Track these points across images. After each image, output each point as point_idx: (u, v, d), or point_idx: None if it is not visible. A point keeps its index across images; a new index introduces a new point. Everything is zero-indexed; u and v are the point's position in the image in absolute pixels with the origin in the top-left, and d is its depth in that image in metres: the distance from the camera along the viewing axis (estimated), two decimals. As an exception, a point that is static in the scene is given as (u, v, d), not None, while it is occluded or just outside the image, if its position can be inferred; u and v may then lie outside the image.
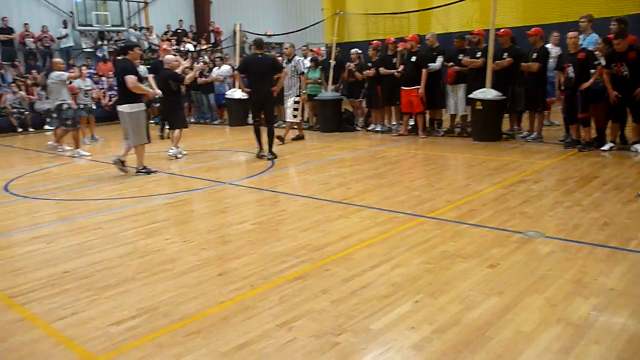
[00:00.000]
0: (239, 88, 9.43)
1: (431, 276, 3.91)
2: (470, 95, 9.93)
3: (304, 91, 11.47)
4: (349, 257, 4.35)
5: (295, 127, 11.31)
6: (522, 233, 4.77)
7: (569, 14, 13.04)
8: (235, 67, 9.37)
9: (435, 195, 6.27)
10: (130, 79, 7.88)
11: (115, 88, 15.89)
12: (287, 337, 3.12)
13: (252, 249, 4.69)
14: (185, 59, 12.97)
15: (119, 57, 8.98)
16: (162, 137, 11.97)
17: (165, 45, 12.85)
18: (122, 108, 8.13)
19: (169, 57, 9.88)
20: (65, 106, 10.47)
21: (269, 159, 8.98)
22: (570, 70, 8.41)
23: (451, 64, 10.42)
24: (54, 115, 10.90)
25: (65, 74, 10.62)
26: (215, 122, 15.39)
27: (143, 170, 8.38)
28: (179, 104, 9.91)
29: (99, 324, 3.40)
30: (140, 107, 8.20)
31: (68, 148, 11.08)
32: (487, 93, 9.69)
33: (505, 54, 9.74)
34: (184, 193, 7.08)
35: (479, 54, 10.02)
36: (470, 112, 10.44)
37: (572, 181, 6.63)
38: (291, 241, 4.83)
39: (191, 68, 10.72)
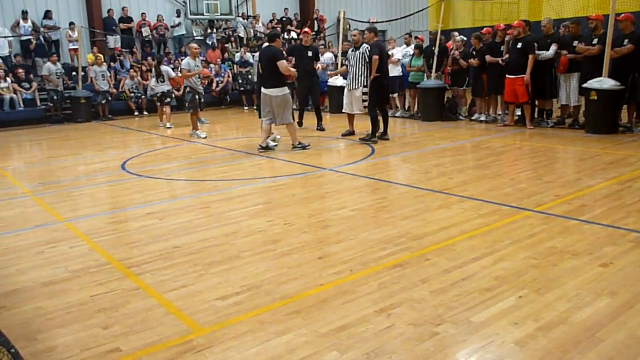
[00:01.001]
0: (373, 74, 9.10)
1: (537, 272, 3.75)
2: (585, 85, 9.35)
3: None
4: (450, 248, 4.27)
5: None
6: (639, 232, 4.45)
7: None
8: (373, 52, 9.08)
9: (543, 188, 5.99)
10: (283, 64, 8.60)
11: (222, 75, 16.63)
12: (385, 323, 3.12)
13: (352, 234, 4.73)
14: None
15: (264, 45, 9.50)
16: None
17: (307, 29, 13.06)
18: (270, 91, 8.75)
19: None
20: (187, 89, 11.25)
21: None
22: None
23: (565, 52, 9.83)
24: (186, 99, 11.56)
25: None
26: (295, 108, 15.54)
27: (299, 146, 9.04)
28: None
29: (205, 298, 3.58)
30: (285, 90, 8.83)
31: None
32: (604, 82, 9.08)
33: (626, 41, 9.07)
34: (286, 177, 7.25)
35: (595, 41, 9.40)
36: (583, 102, 9.84)
37: (699, 179, 6.09)
38: (391, 229, 4.81)
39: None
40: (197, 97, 11.15)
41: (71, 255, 4.51)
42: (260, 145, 9.11)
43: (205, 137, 11.03)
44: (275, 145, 9.45)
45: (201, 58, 17.89)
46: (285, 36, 19.64)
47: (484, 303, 3.32)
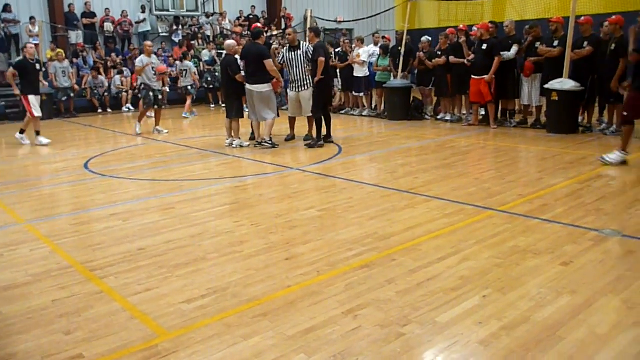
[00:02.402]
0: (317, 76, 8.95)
1: (500, 271, 3.82)
2: (546, 86, 9.56)
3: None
4: (416, 248, 4.32)
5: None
6: (598, 231, 4.58)
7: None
8: (319, 54, 8.87)
9: (506, 188, 6.11)
10: (270, 62, 8.77)
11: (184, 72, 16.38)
12: (352, 324, 3.14)
13: (319, 235, 4.73)
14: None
15: (249, 41, 9.47)
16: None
17: (238, 29, 13.11)
18: (254, 87, 8.85)
19: (229, 42, 9.79)
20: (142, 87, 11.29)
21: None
22: None
23: (525, 55, 10.04)
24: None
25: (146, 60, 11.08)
26: (284, 108, 15.52)
27: (269, 142, 9.04)
28: (236, 93, 9.32)
29: (171, 301, 3.54)
30: (269, 87, 8.95)
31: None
32: (565, 83, 9.29)
33: (586, 43, 9.30)
34: (253, 177, 7.22)
35: (556, 43, 9.62)
36: (545, 102, 10.07)
37: (655, 178, 6.29)
38: (357, 229, 4.84)
39: None
40: (151, 93, 11.16)
41: (32, 259, 4.40)
42: (257, 142, 9.21)
43: (167, 133, 11.24)
44: (248, 145, 9.42)
45: (165, 55, 17.71)
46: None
47: (449, 303, 3.36)
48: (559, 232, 4.60)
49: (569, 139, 9.03)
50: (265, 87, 8.88)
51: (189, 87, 15.26)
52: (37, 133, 10.62)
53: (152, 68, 11.11)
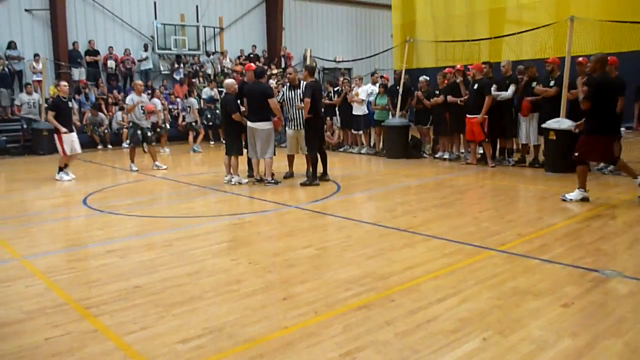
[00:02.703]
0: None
1: (501, 313, 3.77)
2: (544, 125, 9.64)
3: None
4: (415, 289, 4.27)
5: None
6: (598, 271, 4.54)
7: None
8: (306, 95, 8.92)
9: (505, 227, 6.09)
10: (274, 101, 8.95)
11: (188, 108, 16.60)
12: (350, 367, 3.08)
13: (317, 274, 4.69)
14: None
15: (251, 80, 9.29)
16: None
17: (238, 68, 13.30)
18: (256, 125, 8.90)
19: (228, 81, 9.86)
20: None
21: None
22: None
23: (526, 97, 10.16)
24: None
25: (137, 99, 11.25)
26: (283, 145, 15.61)
27: (272, 181, 9.09)
28: (236, 130, 9.39)
29: (166, 341, 3.48)
30: (270, 124, 9.00)
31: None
32: (562, 123, 9.37)
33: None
34: (251, 214, 7.20)
35: (552, 83, 9.75)
36: (543, 142, 10.14)
37: (654, 219, 6.28)
38: (356, 268, 4.80)
39: None
40: (139, 131, 11.32)
41: (26, 295, 4.34)
42: (256, 179, 9.29)
43: (166, 169, 11.36)
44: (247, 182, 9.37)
45: (165, 92, 17.95)
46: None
47: (449, 345, 3.31)
48: (559, 273, 4.56)
49: (568, 178, 9.03)
50: (267, 125, 8.95)
51: (193, 124, 15.58)
52: (60, 169, 10.53)
53: (141, 107, 11.27)
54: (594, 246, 5.28)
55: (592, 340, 3.34)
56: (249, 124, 9.02)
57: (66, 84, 10.89)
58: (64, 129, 10.24)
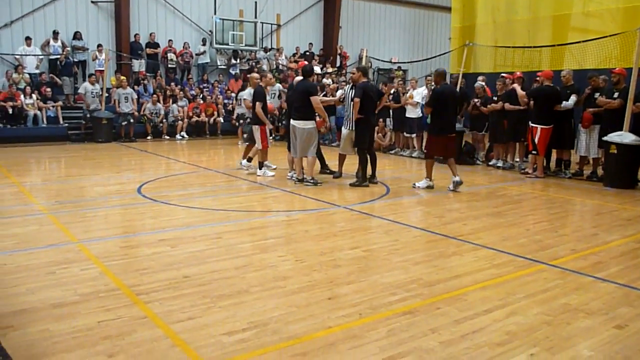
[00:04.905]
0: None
1: (550, 329, 3.67)
2: (605, 138, 9.32)
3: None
4: (462, 298, 4.21)
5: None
6: (656, 294, 4.37)
7: None
8: (356, 95, 8.84)
9: (559, 241, 5.92)
10: (317, 99, 8.88)
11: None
12: (392, 372, 3.07)
13: (363, 276, 4.69)
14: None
15: (299, 78, 9.47)
16: None
17: (293, 65, 13.24)
18: (297, 123, 8.91)
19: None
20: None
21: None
22: None
23: (588, 109, 9.84)
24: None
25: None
26: (334, 144, 15.64)
27: (311, 181, 9.01)
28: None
29: (212, 332, 3.55)
30: (313, 124, 8.97)
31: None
32: (625, 137, 9.04)
33: (649, 96, 9.06)
34: (300, 212, 7.24)
35: (616, 94, 9.41)
36: (603, 155, 9.79)
37: None
38: (402, 273, 4.76)
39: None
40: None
41: (82, 278, 4.51)
42: (297, 178, 9.19)
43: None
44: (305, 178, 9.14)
45: (221, 87, 18.29)
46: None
47: (494, 358, 3.25)
48: (614, 293, 4.41)
49: (627, 194, 8.72)
50: (308, 124, 8.89)
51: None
52: (261, 164, 10.05)
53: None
54: (653, 267, 5.07)
55: (646, 365, 3.22)
56: (291, 121, 9.07)
57: (271, 75, 10.55)
58: (269, 124, 10.03)
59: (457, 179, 8.78)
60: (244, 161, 10.42)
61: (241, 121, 15.09)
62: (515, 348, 3.39)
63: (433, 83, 9.90)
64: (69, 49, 16.73)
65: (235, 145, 15.31)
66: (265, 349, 3.34)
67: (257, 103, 9.57)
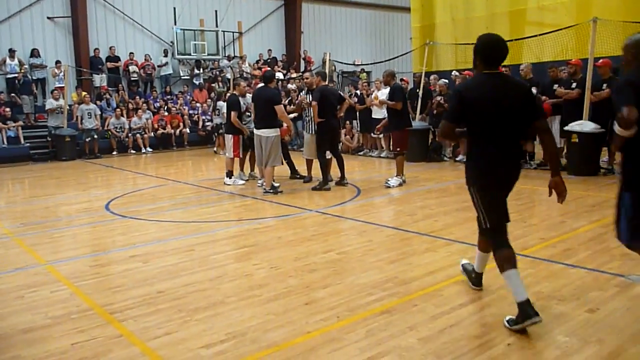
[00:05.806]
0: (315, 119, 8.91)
1: (525, 318, 3.73)
2: (566, 128, 9.54)
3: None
4: (437, 293, 4.25)
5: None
6: (624, 276, 4.48)
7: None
8: (314, 98, 8.86)
9: (528, 231, 6.03)
10: (281, 108, 8.73)
11: (209, 114, 16.66)
12: (373, 373, 3.08)
13: (339, 279, 4.69)
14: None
15: (259, 85, 9.31)
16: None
17: (257, 72, 13.14)
18: (262, 132, 8.67)
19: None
20: None
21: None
22: None
23: (544, 98, 10.05)
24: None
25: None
26: (300, 149, 15.64)
27: (270, 191, 8.76)
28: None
29: (190, 346, 3.50)
30: (277, 132, 8.77)
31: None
32: (585, 126, 9.27)
33: (605, 85, 9.30)
34: (272, 219, 7.22)
35: (574, 85, 9.64)
36: (565, 144, 10.02)
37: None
38: (377, 273, 4.79)
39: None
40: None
41: (52, 301, 4.41)
42: (265, 189, 8.83)
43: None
44: (279, 186, 8.97)
45: (185, 97, 18.12)
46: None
47: (473, 351, 3.29)
48: (584, 278, 4.51)
49: (591, 181, 8.94)
50: (272, 132, 8.68)
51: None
52: (231, 173, 9.98)
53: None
54: (619, 251, 5.16)
55: (619, 346, 3.29)
56: (255, 131, 8.84)
57: (245, 84, 10.32)
58: (247, 131, 9.64)
59: (403, 178, 9.25)
60: (259, 180, 9.73)
61: (220, 131, 14.68)
62: (493, 339, 3.44)
63: (384, 84, 10.45)
64: (26, 66, 16.38)
65: (205, 155, 15.20)
66: (245, 358, 3.31)
67: (232, 112, 9.47)
